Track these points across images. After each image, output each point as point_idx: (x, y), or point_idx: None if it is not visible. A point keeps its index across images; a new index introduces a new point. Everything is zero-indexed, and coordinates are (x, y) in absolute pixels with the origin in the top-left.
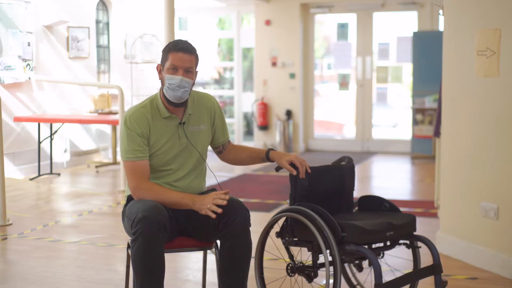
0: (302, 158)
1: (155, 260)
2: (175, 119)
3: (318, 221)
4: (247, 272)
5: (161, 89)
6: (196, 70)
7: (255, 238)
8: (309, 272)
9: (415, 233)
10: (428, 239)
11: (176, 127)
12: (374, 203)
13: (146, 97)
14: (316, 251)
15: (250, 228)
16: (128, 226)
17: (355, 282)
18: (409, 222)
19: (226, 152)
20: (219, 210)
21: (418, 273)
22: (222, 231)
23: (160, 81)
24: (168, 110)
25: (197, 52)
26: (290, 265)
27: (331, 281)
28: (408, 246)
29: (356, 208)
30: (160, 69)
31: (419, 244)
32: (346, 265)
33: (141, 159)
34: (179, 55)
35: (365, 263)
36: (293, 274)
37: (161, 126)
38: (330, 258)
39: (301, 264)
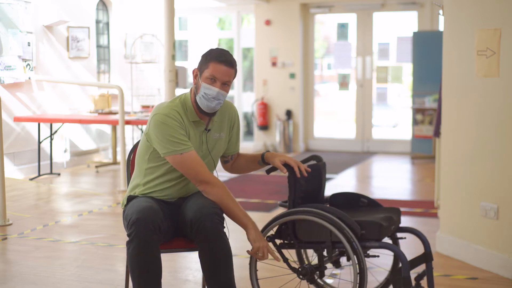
0: (296, 160)
1: (151, 261)
2: (202, 124)
3: (337, 221)
4: (230, 274)
5: (192, 91)
6: None
7: None
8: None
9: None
10: (417, 229)
11: (201, 132)
12: (348, 200)
13: (146, 97)
14: (329, 252)
15: (225, 230)
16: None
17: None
18: (399, 215)
19: (231, 162)
20: (262, 259)
21: (411, 262)
22: (195, 238)
23: (194, 86)
24: (197, 114)
25: (236, 66)
26: (300, 269)
27: (332, 280)
28: (392, 239)
29: (327, 205)
30: (196, 73)
31: (405, 235)
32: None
33: (192, 149)
34: (221, 67)
35: (343, 260)
36: (303, 278)
37: (190, 129)
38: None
39: (310, 267)
